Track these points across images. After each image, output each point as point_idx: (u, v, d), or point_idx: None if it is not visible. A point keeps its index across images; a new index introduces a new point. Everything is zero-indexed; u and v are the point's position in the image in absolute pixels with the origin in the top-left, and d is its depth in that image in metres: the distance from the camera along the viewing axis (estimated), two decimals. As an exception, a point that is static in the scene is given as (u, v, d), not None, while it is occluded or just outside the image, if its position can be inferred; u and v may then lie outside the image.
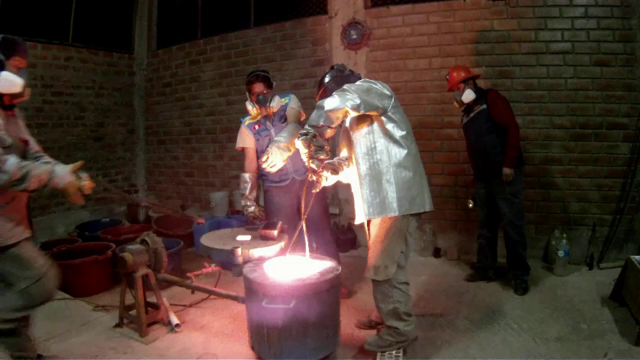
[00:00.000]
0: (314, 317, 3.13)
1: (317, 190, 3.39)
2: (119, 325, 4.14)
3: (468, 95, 4.77)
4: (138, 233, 4.77)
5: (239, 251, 3.51)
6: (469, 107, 4.90)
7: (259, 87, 4.45)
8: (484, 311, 4.32)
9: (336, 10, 6.38)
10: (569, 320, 4.07)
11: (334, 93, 3.09)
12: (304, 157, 3.11)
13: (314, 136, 3.01)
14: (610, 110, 5.45)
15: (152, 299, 4.16)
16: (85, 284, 5.02)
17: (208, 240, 4.00)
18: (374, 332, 3.79)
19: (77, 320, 4.31)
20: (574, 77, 5.49)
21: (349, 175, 3.54)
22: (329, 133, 3.05)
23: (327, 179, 3.46)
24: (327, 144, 3.11)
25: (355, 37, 6.23)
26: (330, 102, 2.98)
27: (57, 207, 7.39)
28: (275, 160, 3.85)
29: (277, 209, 4.55)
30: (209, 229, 6.13)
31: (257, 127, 4.54)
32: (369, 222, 3.50)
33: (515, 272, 4.87)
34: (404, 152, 3.26)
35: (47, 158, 3.31)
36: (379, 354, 3.38)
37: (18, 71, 2.92)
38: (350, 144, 3.43)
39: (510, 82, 5.65)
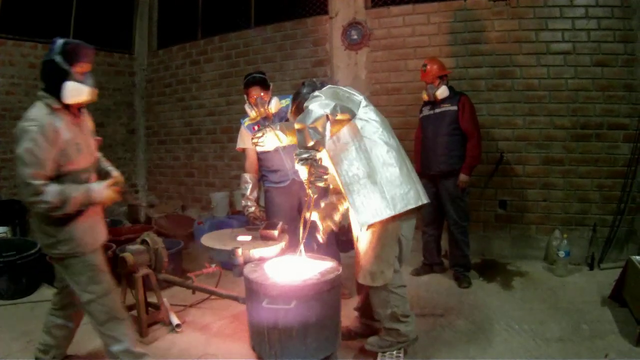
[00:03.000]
0: (314, 318, 3.13)
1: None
2: (119, 325, 4.14)
3: (443, 92, 4.85)
4: (138, 233, 4.77)
5: (239, 252, 3.50)
6: (435, 102, 4.96)
7: (255, 91, 4.43)
8: (485, 312, 4.31)
9: (337, 11, 6.38)
10: (569, 320, 4.06)
11: (306, 104, 3.01)
12: (305, 182, 3.03)
13: (314, 160, 2.92)
14: (611, 110, 5.45)
15: (152, 299, 4.16)
16: (86, 284, 5.01)
17: (209, 240, 3.99)
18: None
19: (78, 320, 4.31)
20: (574, 78, 5.49)
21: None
22: (322, 147, 2.98)
23: (325, 183, 3.29)
24: (327, 172, 3.00)
25: (355, 37, 6.23)
26: (310, 116, 2.88)
27: (57, 208, 7.36)
28: (266, 141, 3.70)
29: (277, 210, 4.54)
30: (209, 229, 6.15)
31: (256, 128, 4.46)
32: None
33: (458, 268, 5.03)
34: (384, 149, 3.21)
35: (106, 164, 3.46)
36: (379, 355, 3.37)
37: (83, 76, 2.84)
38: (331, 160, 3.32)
39: (511, 83, 5.65)
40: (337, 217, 3.50)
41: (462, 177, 4.84)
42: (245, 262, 3.48)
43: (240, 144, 4.71)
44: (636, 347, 3.54)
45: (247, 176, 4.61)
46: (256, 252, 3.57)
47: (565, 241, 5.17)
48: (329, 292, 3.19)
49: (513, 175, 5.72)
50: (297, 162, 2.95)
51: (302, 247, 3.38)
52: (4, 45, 6.59)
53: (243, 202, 4.56)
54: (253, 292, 3.23)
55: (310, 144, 2.86)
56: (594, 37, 5.41)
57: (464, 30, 5.78)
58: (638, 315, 3.73)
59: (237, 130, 7.29)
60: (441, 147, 4.90)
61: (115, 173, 3.37)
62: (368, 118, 3.22)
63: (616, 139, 5.46)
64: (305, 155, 2.90)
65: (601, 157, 5.51)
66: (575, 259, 5.37)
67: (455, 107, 4.83)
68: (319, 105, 2.92)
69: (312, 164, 2.90)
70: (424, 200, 3.28)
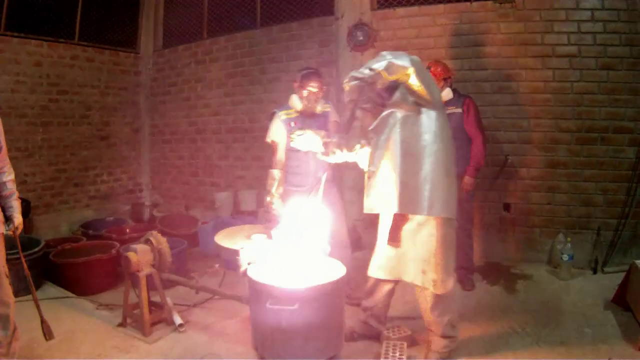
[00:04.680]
0: (318, 319, 3.14)
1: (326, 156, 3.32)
2: (122, 324, 4.17)
3: (447, 94, 4.79)
4: (142, 232, 4.78)
5: (243, 252, 3.50)
6: None
7: (313, 85, 4.28)
8: (488, 314, 4.31)
9: (342, 12, 6.37)
10: (572, 324, 4.06)
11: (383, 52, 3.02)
12: (347, 102, 3.03)
13: (366, 84, 2.94)
14: (616, 114, 5.42)
15: (155, 298, 4.17)
16: (89, 282, 5.05)
17: (221, 238, 3.98)
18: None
19: (81, 319, 4.34)
20: (580, 81, 5.46)
21: (363, 159, 3.41)
22: (380, 84, 2.99)
23: (334, 155, 3.34)
24: (376, 103, 3.04)
25: (361, 38, 6.20)
26: (401, 57, 2.92)
27: (61, 206, 7.41)
28: (304, 142, 3.56)
29: None
30: (213, 229, 6.15)
31: (294, 124, 4.35)
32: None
33: (462, 271, 4.95)
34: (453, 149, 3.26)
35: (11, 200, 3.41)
36: (382, 356, 3.37)
37: None
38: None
39: (516, 85, 5.62)
40: (354, 147, 3.39)
41: (467, 179, 4.81)
42: (249, 262, 3.47)
43: (271, 137, 4.47)
44: (639, 352, 3.54)
45: (275, 172, 4.39)
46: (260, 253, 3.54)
47: (569, 245, 5.16)
48: (332, 294, 3.19)
49: (517, 178, 5.71)
50: (347, 81, 2.98)
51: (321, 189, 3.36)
52: (9, 43, 6.60)
53: (267, 199, 4.41)
54: (256, 292, 3.23)
55: (380, 69, 2.88)
56: (599, 40, 5.38)
57: (469, 32, 5.76)
58: (641, 318, 3.72)
59: (243, 130, 7.39)
60: None
61: (17, 221, 3.41)
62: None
63: (621, 142, 5.43)
64: (361, 75, 2.92)
65: (606, 161, 5.48)
66: (579, 263, 5.34)
67: (460, 110, 4.81)
68: (410, 61, 2.94)
69: (364, 87, 2.92)
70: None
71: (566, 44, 5.46)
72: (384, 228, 3.51)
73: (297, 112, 4.35)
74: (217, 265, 4.39)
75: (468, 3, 5.76)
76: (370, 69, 2.92)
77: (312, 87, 4.27)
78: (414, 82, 2.99)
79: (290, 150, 4.34)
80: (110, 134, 8.10)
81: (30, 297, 4.71)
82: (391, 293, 3.70)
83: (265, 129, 7.08)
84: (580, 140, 5.53)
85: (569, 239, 5.24)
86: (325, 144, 3.19)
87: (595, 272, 5.31)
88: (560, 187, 5.63)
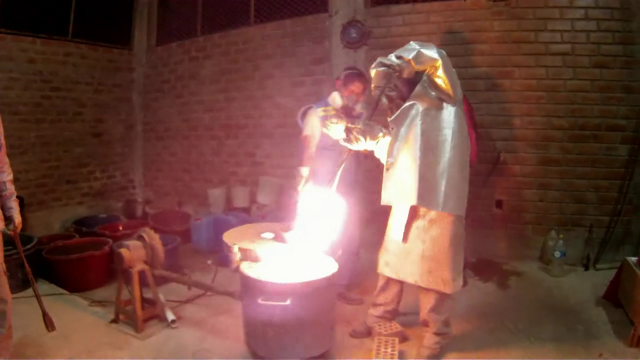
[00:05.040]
0: (309, 315, 3.16)
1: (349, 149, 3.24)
2: (115, 320, 4.17)
3: None
4: (135, 229, 4.78)
5: (235, 248, 3.50)
6: None
7: (359, 86, 4.27)
8: (480, 311, 4.34)
9: (336, 9, 6.37)
10: (564, 320, 4.09)
11: (411, 42, 3.00)
12: (372, 88, 2.96)
13: (394, 72, 2.87)
14: (609, 112, 5.45)
15: (148, 294, 4.17)
16: (82, 279, 5.04)
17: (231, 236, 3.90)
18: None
19: (73, 315, 4.34)
20: (573, 79, 5.48)
21: (381, 150, 3.37)
22: (406, 73, 2.95)
23: (357, 143, 3.20)
24: (398, 91, 3.02)
25: (355, 35, 6.20)
26: (430, 48, 2.92)
27: (54, 203, 7.38)
28: (335, 130, 3.38)
29: None
30: (206, 225, 6.16)
31: None
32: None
33: None
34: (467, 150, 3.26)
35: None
36: (374, 353, 3.38)
37: None
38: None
39: (509, 83, 5.64)
40: (377, 136, 3.28)
41: None
42: (242, 259, 3.46)
43: (308, 131, 4.40)
44: (630, 348, 3.57)
45: (304, 170, 4.30)
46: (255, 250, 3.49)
47: (561, 241, 5.19)
48: (324, 290, 3.21)
49: (510, 175, 5.72)
50: (374, 67, 2.93)
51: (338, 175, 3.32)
52: (3, 40, 6.55)
53: (295, 197, 4.27)
54: (248, 288, 3.25)
55: (409, 57, 2.85)
56: (593, 39, 5.40)
57: (463, 30, 5.77)
58: (632, 316, 3.74)
59: (236, 127, 7.39)
60: None
61: (17, 220, 3.51)
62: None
63: (614, 140, 5.46)
64: (389, 62, 2.88)
65: (598, 159, 5.51)
66: (571, 260, 5.37)
67: None
68: (439, 53, 2.93)
69: (391, 74, 2.87)
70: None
71: (559, 42, 5.48)
72: (395, 222, 3.47)
73: (335, 110, 4.31)
74: (209, 262, 4.38)
75: (462, 1, 5.76)
76: (399, 57, 2.88)
77: (355, 88, 4.25)
78: (440, 74, 2.98)
79: (323, 149, 4.33)
80: (104, 131, 8.07)
81: (23, 294, 4.74)
82: (401, 292, 3.71)
83: (258, 126, 7.16)
84: (573, 138, 5.55)
85: (561, 235, 5.26)
86: (348, 130, 3.12)
87: (587, 269, 5.34)
88: (552, 184, 5.65)
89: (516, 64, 5.61)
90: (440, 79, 3.00)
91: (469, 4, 5.73)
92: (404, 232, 3.36)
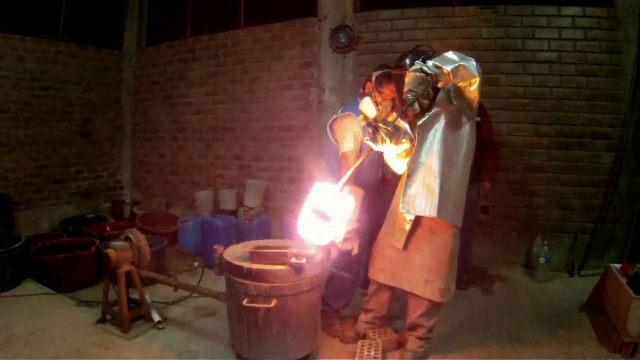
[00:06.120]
0: (293, 317, 3.17)
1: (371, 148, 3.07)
2: (101, 320, 4.16)
3: None
4: (122, 230, 4.77)
5: (220, 250, 3.51)
6: None
7: (393, 91, 3.45)
8: (464, 315, 4.36)
9: (325, 13, 6.41)
10: (547, 326, 4.12)
11: (451, 52, 2.92)
12: (409, 95, 2.81)
13: (431, 80, 2.80)
14: (595, 120, 5.52)
15: (135, 295, 4.17)
16: (69, 279, 5.01)
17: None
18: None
19: (60, 315, 4.31)
20: (559, 87, 5.55)
21: (394, 155, 3.30)
22: (442, 84, 2.88)
23: (383, 144, 2.99)
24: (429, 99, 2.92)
25: (343, 40, 6.25)
26: (472, 63, 2.86)
27: (42, 202, 7.36)
28: (392, 137, 2.97)
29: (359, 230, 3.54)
30: (193, 227, 6.15)
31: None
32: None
33: (460, 270, 4.96)
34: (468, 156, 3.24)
35: None
36: (357, 354, 3.40)
37: None
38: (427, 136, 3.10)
39: (496, 90, 5.69)
40: (401, 140, 3.11)
41: (488, 185, 4.97)
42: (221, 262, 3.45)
43: (347, 147, 3.60)
44: (613, 354, 3.60)
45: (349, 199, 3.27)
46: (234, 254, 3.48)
47: (546, 247, 5.23)
48: (308, 292, 3.22)
49: (496, 182, 5.73)
50: (411, 70, 2.85)
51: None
52: (-8, 38, 6.56)
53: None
54: (233, 290, 3.26)
55: (448, 69, 2.78)
56: (580, 47, 5.48)
57: (451, 36, 5.82)
58: (615, 322, 3.77)
59: (223, 129, 7.42)
60: None
61: None
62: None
63: (599, 148, 5.53)
64: (426, 69, 2.80)
65: (583, 166, 5.58)
66: (556, 266, 5.42)
67: (479, 118, 4.71)
68: (478, 70, 2.89)
69: (428, 81, 2.80)
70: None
71: (546, 50, 5.55)
72: (396, 229, 3.44)
73: (367, 118, 3.60)
74: (196, 264, 4.39)
75: (450, 7, 5.82)
76: (438, 67, 2.80)
77: (390, 92, 3.53)
78: (473, 90, 2.93)
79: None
80: (92, 131, 8.04)
81: (10, 293, 4.72)
82: (391, 298, 3.71)
83: (245, 129, 7.17)
84: (559, 145, 5.62)
85: (546, 242, 5.31)
86: (376, 129, 2.93)
87: (571, 275, 5.39)
88: (538, 191, 5.71)
89: (503, 71, 5.67)
90: (472, 94, 2.96)
91: (457, 10, 5.79)
92: (405, 240, 3.36)
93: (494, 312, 4.44)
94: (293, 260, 3.13)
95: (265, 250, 3.30)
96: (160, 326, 4.05)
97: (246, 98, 7.21)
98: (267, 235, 6.08)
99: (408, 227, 3.32)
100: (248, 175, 7.16)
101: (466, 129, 3.14)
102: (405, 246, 3.36)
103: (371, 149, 3.05)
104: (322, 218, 2.86)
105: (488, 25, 5.69)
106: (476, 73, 2.85)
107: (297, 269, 3.13)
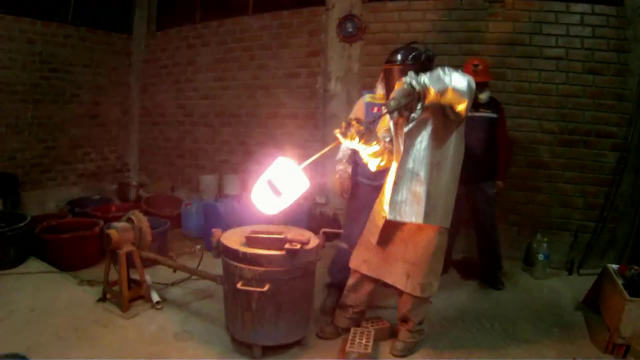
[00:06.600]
0: (286, 302, 3.21)
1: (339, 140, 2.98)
2: (102, 299, 4.22)
3: (487, 97, 4.82)
4: (127, 212, 4.84)
5: (217, 233, 3.55)
6: (474, 104, 4.83)
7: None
8: (459, 309, 4.38)
9: (333, 3, 6.40)
10: (541, 323, 4.13)
11: (453, 70, 2.83)
12: (392, 102, 2.71)
13: (418, 97, 2.73)
14: (600, 118, 5.49)
15: (135, 275, 4.23)
16: (73, 258, 5.10)
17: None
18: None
19: (62, 293, 4.38)
20: (565, 83, 5.52)
21: (367, 154, 3.24)
22: (427, 102, 2.78)
23: (351, 141, 2.94)
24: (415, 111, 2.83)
25: (350, 30, 6.25)
26: (457, 80, 2.76)
27: (49, 182, 7.45)
28: (362, 137, 2.96)
29: (362, 207, 3.97)
30: (195, 211, 6.20)
31: (376, 109, 3.94)
32: (390, 224, 3.34)
33: (492, 270, 5.02)
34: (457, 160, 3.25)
35: None
36: (348, 343, 3.41)
37: None
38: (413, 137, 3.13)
39: (502, 84, 5.65)
40: (372, 143, 3.09)
41: (500, 183, 5.03)
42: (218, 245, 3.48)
43: (351, 115, 3.84)
44: (605, 354, 3.60)
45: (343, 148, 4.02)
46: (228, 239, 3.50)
47: (546, 244, 5.23)
48: (301, 278, 3.27)
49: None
50: (400, 82, 2.78)
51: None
52: (2, 21, 6.60)
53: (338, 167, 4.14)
54: (229, 273, 3.30)
55: (435, 90, 2.71)
56: (587, 45, 5.44)
57: (458, 29, 5.80)
58: (610, 322, 3.78)
59: (230, 115, 7.48)
60: (480, 154, 4.79)
61: None
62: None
63: (604, 147, 5.50)
64: (416, 84, 2.72)
65: (587, 164, 5.55)
66: (555, 263, 5.41)
67: (495, 115, 4.84)
68: (469, 93, 2.81)
69: (415, 97, 2.72)
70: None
71: (554, 46, 5.52)
72: (370, 223, 3.52)
73: (382, 98, 3.85)
74: (198, 247, 4.44)
75: (459, 0, 5.80)
76: (426, 86, 2.73)
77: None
78: (461, 110, 2.88)
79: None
80: (100, 114, 8.10)
81: (15, 270, 4.79)
82: (372, 293, 3.71)
83: (251, 115, 7.21)
84: (563, 142, 5.60)
85: (545, 239, 5.30)
86: (348, 124, 2.89)
87: (570, 273, 5.38)
88: (540, 188, 5.70)
89: (509, 66, 5.65)
90: (459, 114, 2.92)
91: (465, 3, 5.76)
92: (378, 236, 3.40)
93: (489, 307, 4.45)
94: (287, 246, 3.18)
95: (261, 235, 3.36)
96: (159, 306, 4.11)
97: (253, 84, 7.24)
98: (269, 221, 6.11)
99: (381, 223, 3.35)
100: (253, 161, 7.18)
101: (454, 134, 3.14)
102: (382, 241, 3.41)
103: (339, 141, 2.99)
104: (274, 191, 2.89)
105: (495, 19, 5.65)
106: (466, 97, 2.80)
107: (291, 254, 3.17)
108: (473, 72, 4.74)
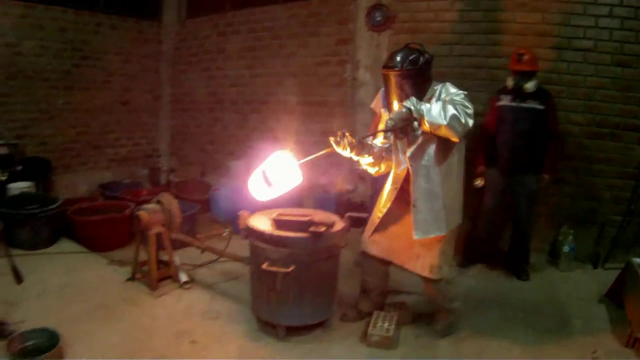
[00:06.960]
0: (310, 284, 3.29)
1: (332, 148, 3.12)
2: (131, 279, 4.38)
3: (534, 87, 4.78)
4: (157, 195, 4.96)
5: (244, 214, 3.64)
6: (518, 94, 4.84)
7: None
8: (482, 296, 4.42)
9: (362, -9, 6.40)
10: (563, 314, 4.13)
11: (454, 107, 2.82)
12: (389, 122, 2.82)
13: (414, 123, 2.79)
14: (629, 111, 5.40)
15: (164, 256, 4.36)
16: (103, 239, 5.24)
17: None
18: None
19: (92, 272, 4.55)
20: (594, 76, 5.45)
21: (365, 163, 3.36)
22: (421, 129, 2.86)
23: (344, 150, 3.09)
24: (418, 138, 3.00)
25: (379, 19, 6.22)
26: (453, 119, 2.78)
27: (81, 167, 7.64)
28: (352, 150, 3.13)
29: None
30: (224, 196, 6.28)
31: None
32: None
33: (521, 261, 5.07)
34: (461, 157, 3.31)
35: None
36: (371, 325, 3.49)
37: None
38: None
39: (529, 75, 5.61)
40: (363, 155, 3.24)
41: (547, 177, 4.98)
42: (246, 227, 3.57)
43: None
44: (625, 348, 3.57)
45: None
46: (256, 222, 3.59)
47: (572, 237, 5.21)
48: (325, 261, 3.33)
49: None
50: (405, 104, 2.82)
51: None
52: (34, 9, 6.75)
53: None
54: (256, 255, 3.39)
55: (427, 125, 2.79)
56: (616, 37, 5.35)
57: (484, 19, 5.74)
58: (632, 316, 3.74)
59: (260, 102, 7.58)
60: (525, 145, 4.82)
61: None
62: None
63: (631, 140, 5.42)
64: (413, 114, 2.78)
65: (614, 157, 5.48)
66: (581, 256, 5.37)
67: (542, 107, 4.80)
68: (461, 131, 2.86)
69: (410, 124, 2.79)
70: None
71: (582, 38, 5.43)
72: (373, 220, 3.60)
73: None
74: (227, 231, 4.51)
75: (486, -9, 5.76)
76: (422, 116, 2.78)
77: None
78: (456, 140, 2.94)
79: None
80: (131, 100, 8.24)
81: (47, 250, 4.96)
82: (386, 275, 3.77)
83: (280, 103, 7.26)
84: (590, 135, 5.53)
85: (571, 231, 5.28)
86: (342, 135, 3.01)
87: (595, 266, 5.33)
88: (566, 180, 5.63)
89: (537, 57, 5.58)
90: (454, 140, 2.96)
91: (493, -6, 5.72)
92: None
93: (512, 297, 4.46)
94: (312, 228, 3.26)
95: (288, 218, 3.44)
96: (187, 286, 4.24)
97: (282, 72, 7.27)
98: (297, 205, 6.17)
99: (378, 220, 3.50)
100: (281, 147, 7.18)
101: (457, 143, 3.12)
102: (388, 223, 3.50)
103: (332, 149, 3.10)
104: (265, 182, 3.01)
105: (523, 9, 5.57)
106: (458, 136, 2.88)
107: (316, 237, 3.25)
108: (517, 62, 4.78)
